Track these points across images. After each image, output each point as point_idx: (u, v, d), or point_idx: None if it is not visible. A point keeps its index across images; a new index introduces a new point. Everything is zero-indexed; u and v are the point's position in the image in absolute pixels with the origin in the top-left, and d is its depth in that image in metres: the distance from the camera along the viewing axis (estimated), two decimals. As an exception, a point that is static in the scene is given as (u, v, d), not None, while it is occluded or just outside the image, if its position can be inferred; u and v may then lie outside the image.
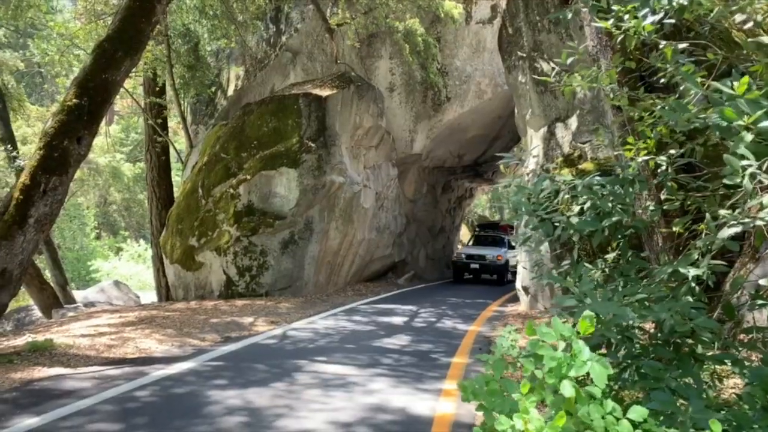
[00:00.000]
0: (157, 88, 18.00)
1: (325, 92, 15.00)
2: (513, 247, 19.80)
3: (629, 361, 2.67)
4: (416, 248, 21.91)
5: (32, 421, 4.77)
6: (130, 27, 8.73)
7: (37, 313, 15.69)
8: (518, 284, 13.16)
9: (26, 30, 21.44)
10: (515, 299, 14.35)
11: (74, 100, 8.05)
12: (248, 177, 13.85)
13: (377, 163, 17.33)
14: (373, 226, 17.06)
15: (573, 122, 11.54)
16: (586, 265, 3.46)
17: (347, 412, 5.12)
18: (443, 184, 25.21)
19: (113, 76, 8.45)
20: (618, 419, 1.96)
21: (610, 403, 2.01)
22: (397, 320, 10.90)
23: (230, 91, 19.88)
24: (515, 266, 20.30)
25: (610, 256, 3.18)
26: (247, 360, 7.23)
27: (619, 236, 3.15)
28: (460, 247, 23.53)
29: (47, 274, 18.22)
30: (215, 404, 5.30)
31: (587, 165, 10.49)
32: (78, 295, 18.55)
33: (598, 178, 3.22)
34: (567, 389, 2.01)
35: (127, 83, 20.21)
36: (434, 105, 19.33)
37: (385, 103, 17.97)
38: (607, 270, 3.20)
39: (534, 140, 12.65)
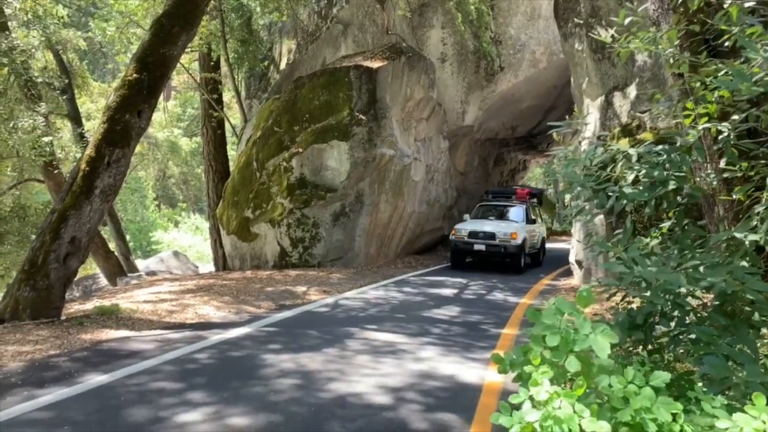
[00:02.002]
0: (212, 63, 18.34)
1: (375, 64, 14.94)
2: (533, 221, 16.25)
3: (682, 329, 2.63)
4: (467, 221, 21.75)
5: (102, 378, 5.09)
6: (186, 2, 8.93)
7: (103, 280, 16.54)
8: (571, 258, 12.93)
9: (88, 9, 22.16)
10: (569, 273, 14.13)
11: (134, 75, 8.33)
12: (300, 150, 14.04)
13: (428, 135, 17.21)
14: (423, 198, 17.05)
15: (632, 91, 11.13)
16: (641, 237, 3.39)
17: (396, 378, 5.23)
18: (495, 156, 24.86)
19: (171, 51, 8.69)
20: (640, 387, 1.96)
21: (630, 372, 2.01)
22: (447, 292, 10.94)
23: (282, 65, 20.07)
24: (537, 244, 16.58)
25: (665, 225, 3.10)
26: (300, 326, 7.45)
27: (675, 205, 3.06)
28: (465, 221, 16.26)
29: (112, 245, 19.12)
30: (270, 367, 5.50)
31: (646, 135, 10.13)
32: (140, 264, 19.43)
33: (652, 146, 3.13)
34: (573, 364, 2.05)
35: (183, 59, 20.67)
36: (487, 75, 18.97)
37: (437, 73, 17.74)
38: (660, 239, 3.12)
39: (590, 110, 12.28)
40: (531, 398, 2.10)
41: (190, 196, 42.75)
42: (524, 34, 18.63)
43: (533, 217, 16.48)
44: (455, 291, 11.16)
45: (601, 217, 10.18)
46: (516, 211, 16.07)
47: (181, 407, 4.40)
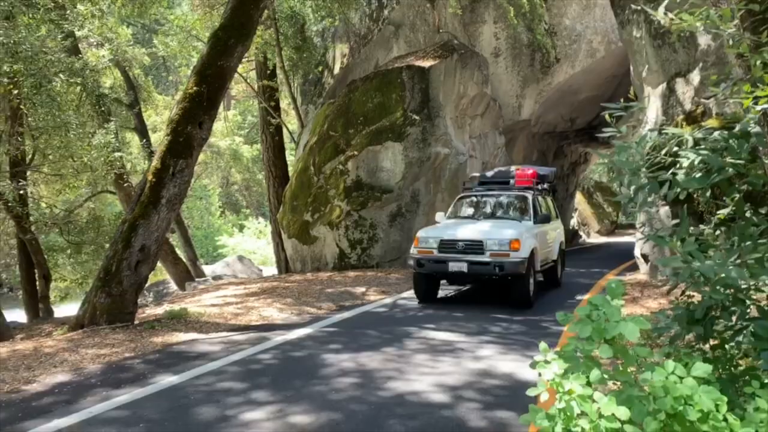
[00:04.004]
0: (269, 72, 18.82)
1: (427, 63, 14.94)
2: (546, 218, 10.18)
3: (744, 324, 2.52)
4: (527, 217, 21.38)
5: (172, 378, 5.34)
6: (241, 14, 9.20)
7: (172, 286, 17.27)
8: (637, 252, 12.51)
9: (151, 26, 23.20)
10: (635, 268, 13.68)
11: (194, 88, 8.66)
12: (356, 153, 14.21)
13: (483, 131, 17.05)
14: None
15: (695, 76, 10.67)
16: (702, 226, 3.27)
17: (455, 377, 5.23)
18: (555, 149, 24.35)
19: (228, 62, 8.98)
20: (681, 378, 1.93)
21: (671, 364, 1.98)
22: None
23: (336, 70, 20.35)
24: (553, 254, 10.98)
25: (724, 211, 2.97)
26: (359, 326, 7.56)
27: (734, 193, 2.93)
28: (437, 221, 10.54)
29: (180, 251, 19.93)
30: (330, 366, 5.62)
31: (711, 122, 9.68)
32: (207, 269, 20.14)
33: (710, 131, 3.01)
34: (605, 351, 2.05)
35: (241, 68, 21.30)
36: (542, 68, 18.62)
37: (490, 69, 17.56)
38: (719, 229, 2.99)
39: (651, 98, 11.85)
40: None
41: (252, 202, 43.93)
42: (580, 24, 18.16)
43: (545, 212, 10.64)
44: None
45: (667, 208, 9.82)
46: (517, 205, 10.37)
47: (246, 406, 4.57)
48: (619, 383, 2.42)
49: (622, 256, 17.81)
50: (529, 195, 10.44)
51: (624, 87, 19.58)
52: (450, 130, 14.90)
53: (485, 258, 8.73)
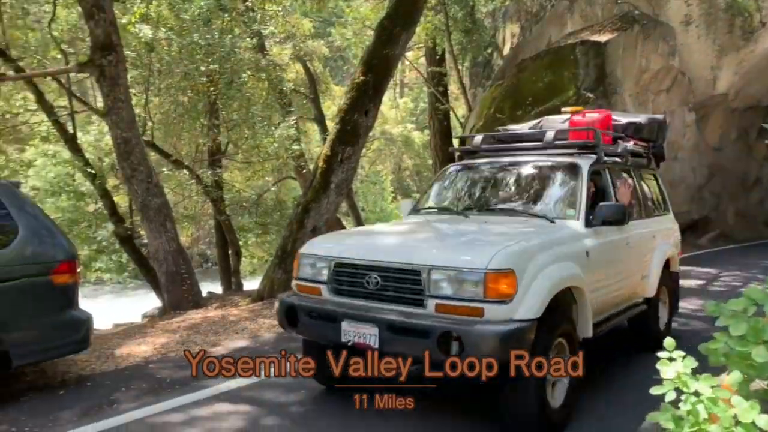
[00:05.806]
0: (437, 57, 18.93)
1: (603, 37, 13.97)
2: (620, 215, 4.31)
3: None
4: (722, 204, 19.13)
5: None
6: (406, 2, 9.36)
7: (346, 266, 18.30)
8: None
9: (330, 19, 24.60)
10: None
11: (361, 78, 9.02)
12: (523, 135, 13.79)
13: (669, 108, 15.51)
14: (665, 179, 15.40)
15: None
16: None
17: (617, 373, 4.88)
18: (759, 127, 21.36)
19: (392, 51, 9.20)
20: None
21: None
22: (691, 283, 9.79)
23: (506, 50, 19.87)
24: (637, 289, 5.21)
25: None
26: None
27: None
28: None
29: (354, 233, 21.02)
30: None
31: None
32: (378, 251, 21.02)
33: None
34: (762, 354, 1.69)
35: (411, 55, 21.76)
36: (744, 34, 16.37)
37: (679, 39, 15.86)
38: None
39: None
40: (677, 389, 1.85)
41: (423, 187, 44.82)
42: (794, -22, 15.63)
43: (622, 200, 5.03)
44: (701, 282, 9.96)
45: None
46: (554, 184, 4.88)
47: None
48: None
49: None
50: (585, 164, 4.76)
51: None
52: (629, 107, 13.80)
53: (423, 316, 3.54)
